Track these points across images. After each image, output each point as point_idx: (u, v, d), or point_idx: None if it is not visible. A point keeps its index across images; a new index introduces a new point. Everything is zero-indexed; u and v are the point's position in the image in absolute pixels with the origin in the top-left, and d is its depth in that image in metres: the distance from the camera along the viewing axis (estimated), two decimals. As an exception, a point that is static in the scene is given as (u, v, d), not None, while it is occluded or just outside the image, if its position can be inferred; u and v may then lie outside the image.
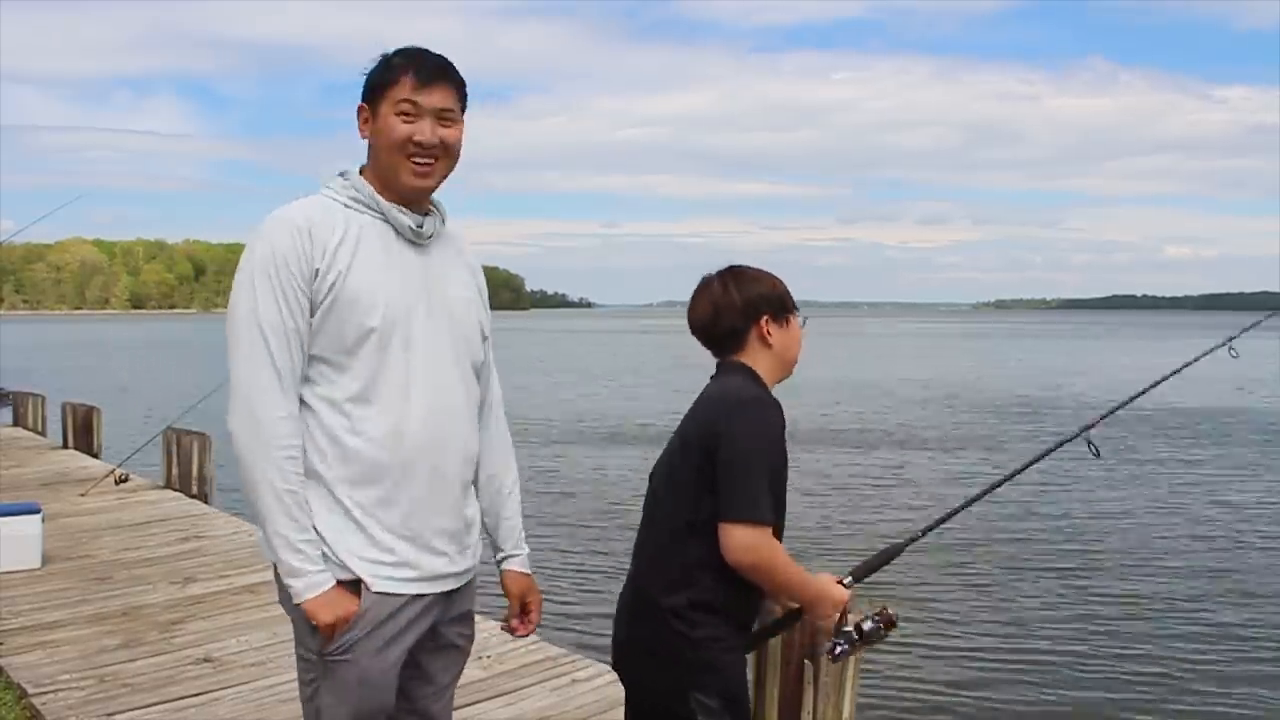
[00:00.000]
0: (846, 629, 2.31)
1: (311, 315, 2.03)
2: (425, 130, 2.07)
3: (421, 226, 2.15)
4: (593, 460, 15.87)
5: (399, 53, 2.11)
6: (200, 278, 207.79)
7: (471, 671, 4.38)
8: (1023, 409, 22.44)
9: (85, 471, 9.28)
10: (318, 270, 2.02)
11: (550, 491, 13.06)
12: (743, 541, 2.09)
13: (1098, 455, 2.62)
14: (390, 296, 2.06)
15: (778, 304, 2.33)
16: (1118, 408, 2.82)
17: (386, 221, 2.11)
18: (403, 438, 2.07)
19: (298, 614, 2.08)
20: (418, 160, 2.08)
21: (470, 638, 2.36)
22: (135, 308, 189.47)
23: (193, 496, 8.72)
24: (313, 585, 2.02)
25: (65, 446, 11.67)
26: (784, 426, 2.22)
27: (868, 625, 2.30)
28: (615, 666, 2.40)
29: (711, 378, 2.35)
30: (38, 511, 6.20)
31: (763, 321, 2.30)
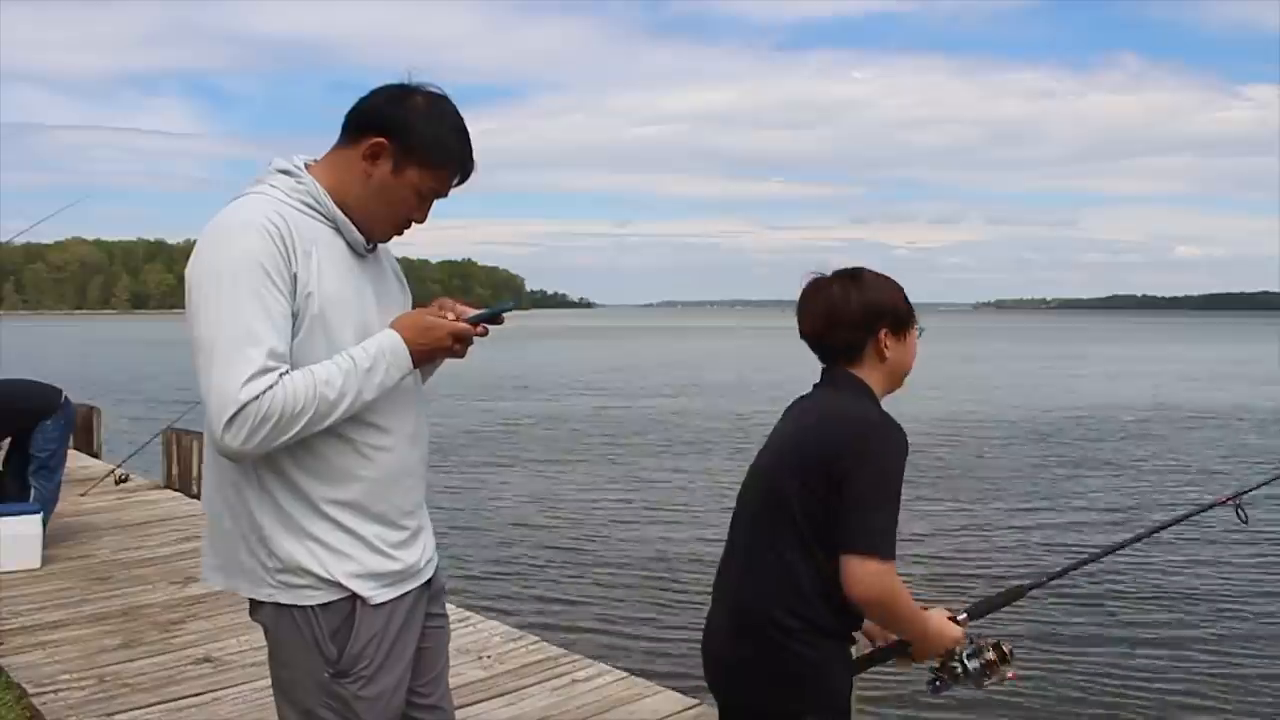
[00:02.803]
0: (952, 664, 2.22)
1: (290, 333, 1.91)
2: (425, 213, 2.10)
3: (369, 243, 2.10)
4: (583, 459, 15.87)
5: (459, 135, 2.06)
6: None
7: (472, 671, 4.39)
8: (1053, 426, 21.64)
9: (85, 471, 9.28)
10: (295, 277, 1.91)
11: (542, 493, 13.05)
12: (867, 577, 2.01)
13: (1245, 521, 2.50)
14: (354, 311, 2.00)
15: (898, 315, 2.21)
16: (1266, 482, 2.70)
17: (339, 234, 2.03)
18: (389, 451, 2.05)
19: (297, 656, 2.03)
20: (400, 233, 2.11)
21: (445, 614, 2.35)
22: (136, 308, 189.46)
23: (193, 496, 8.70)
24: (392, 345, 1.97)
25: (65, 446, 11.66)
26: (907, 451, 2.12)
27: (974, 664, 2.20)
28: (714, 688, 2.28)
29: (817, 385, 2.25)
30: (38, 511, 6.20)
31: (881, 334, 2.18)
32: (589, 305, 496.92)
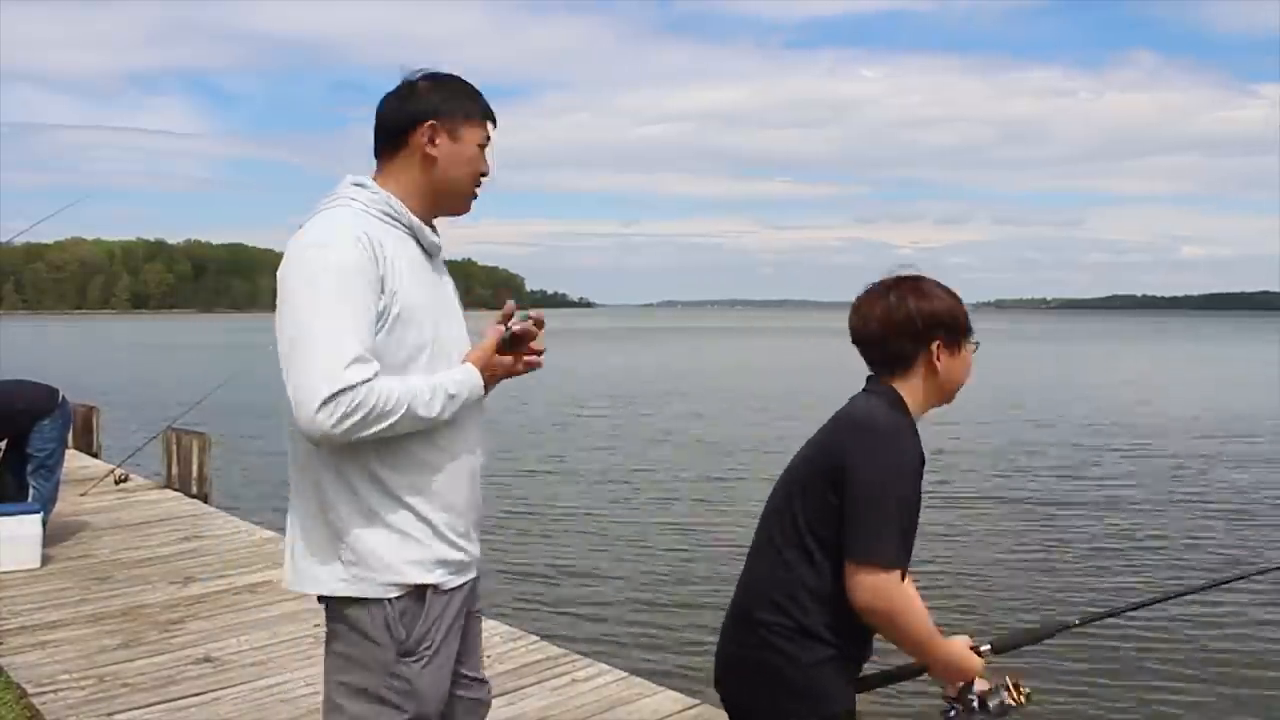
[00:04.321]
0: (969, 697, 2.14)
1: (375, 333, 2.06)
2: (490, 164, 2.27)
3: (438, 248, 2.28)
4: (579, 457, 15.86)
5: (473, 88, 2.26)
6: (200, 277, 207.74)
7: (471, 671, 4.39)
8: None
9: (85, 471, 9.28)
10: (383, 283, 2.06)
11: (542, 490, 13.05)
12: (869, 586, 1.97)
13: None
14: (430, 312, 2.17)
15: (955, 328, 2.15)
16: None
17: (413, 237, 2.19)
18: (455, 443, 2.20)
19: (366, 640, 2.16)
20: (478, 187, 2.28)
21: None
22: (136, 308, 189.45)
23: (193, 496, 8.72)
24: (473, 380, 2.18)
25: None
26: (921, 458, 2.08)
27: (993, 702, 2.13)
28: (717, 685, 2.26)
29: (859, 393, 2.19)
30: (38, 511, 6.20)
31: (934, 346, 2.13)
32: (589, 305, 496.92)
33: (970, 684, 2.15)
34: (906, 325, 2.13)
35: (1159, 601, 2.45)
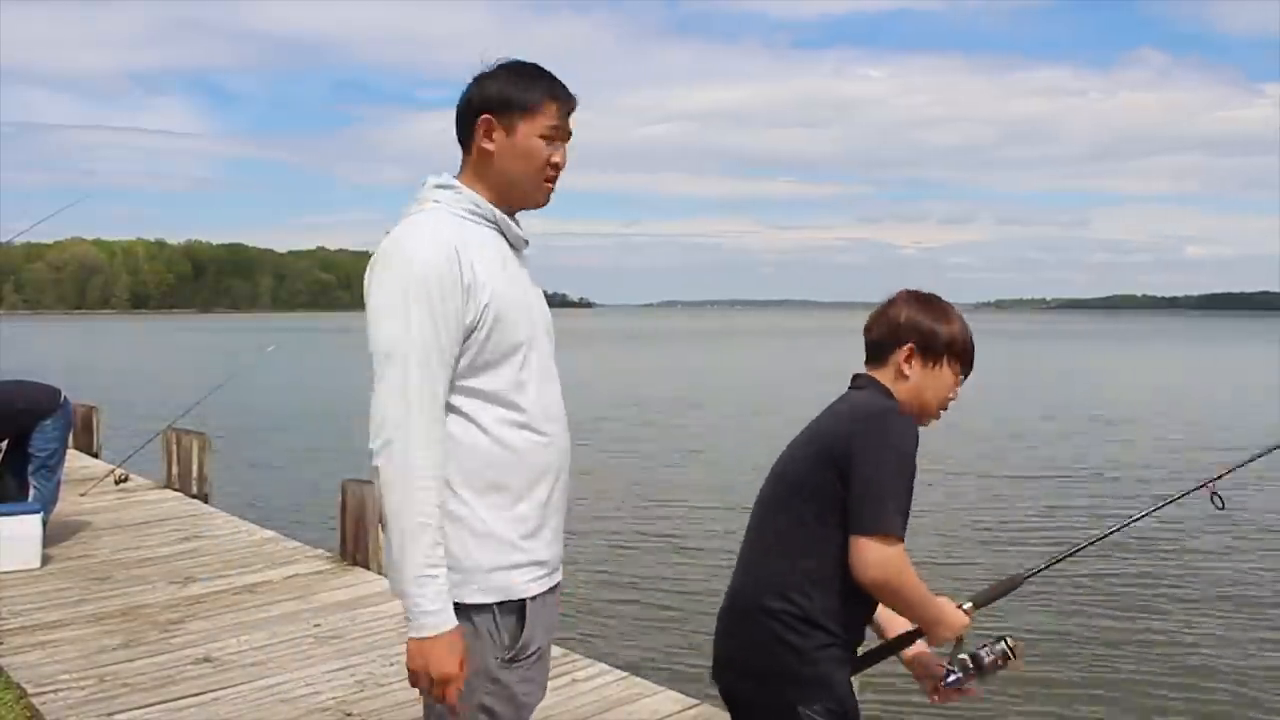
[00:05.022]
0: (962, 657, 2.22)
1: (466, 337, 2.04)
2: (562, 153, 2.19)
3: (525, 241, 2.23)
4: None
5: (536, 72, 2.17)
6: (200, 278, 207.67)
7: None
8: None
9: (85, 471, 9.28)
10: (469, 289, 2.02)
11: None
12: (877, 557, 2.03)
13: (1222, 507, 2.57)
14: (522, 309, 2.14)
15: (934, 344, 2.24)
16: (1246, 462, 2.71)
17: (501, 233, 2.16)
18: (551, 443, 2.15)
19: (472, 651, 2.07)
20: (550, 180, 2.19)
21: None
22: (136, 307, 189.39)
23: (193, 496, 8.71)
24: (439, 624, 1.99)
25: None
26: (917, 440, 2.16)
27: (986, 656, 2.21)
28: (716, 678, 2.28)
29: (850, 389, 2.30)
30: (38, 511, 6.20)
31: (906, 348, 2.24)
32: (589, 305, 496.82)
33: (960, 643, 2.22)
34: (892, 321, 2.27)
35: (1103, 538, 2.59)
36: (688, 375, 35.84)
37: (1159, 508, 2.66)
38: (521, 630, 2.12)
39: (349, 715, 3.97)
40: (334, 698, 4.13)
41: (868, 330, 2.31)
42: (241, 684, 4.25)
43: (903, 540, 2.06)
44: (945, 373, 2.25)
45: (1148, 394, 28.27)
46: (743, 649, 2.17)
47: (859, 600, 2.12)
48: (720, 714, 4.02)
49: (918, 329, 2.24)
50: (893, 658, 2.33)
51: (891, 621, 2.29)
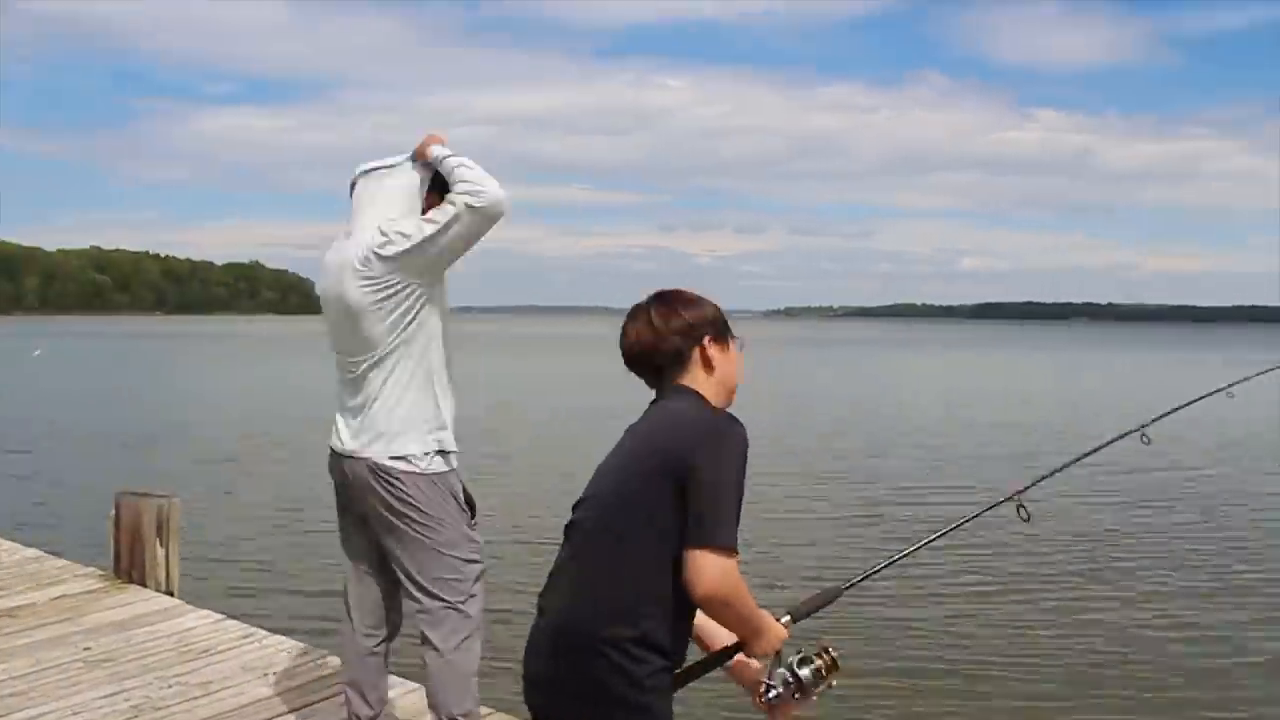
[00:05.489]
0: (781, 671, 2.21)
1: None
2: None
3: None
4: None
5: None
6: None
7: (258, 689, 4.22)
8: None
9: None
10: None
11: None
12: (717, 570, 2.01)
13: (1028, 519, 2.66)
14: None
15: (719, 327, 2.29)
16: (1048, 475, 2.85)
17: None
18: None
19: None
20: None
21: None
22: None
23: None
24: None
25: None
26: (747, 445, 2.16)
27: (805, 671, 2.20)
28: (530, 703, 2.20)
29: (653, 403, 2.27)
30: None
31: (705, 343, 2.25)
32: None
33: (778, 657, 2.21)
34: (676, 327, 2.24)
35: (917, 549, 2.65)
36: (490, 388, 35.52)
37: (969, 520, 2.72)
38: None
39: (122, 743, 3.74)
40: (105, 725, 3.88)
41: (650, 350, 2.25)
42: (3, 716, 3.93)
43: (738, 553, 2.06)
44: (732, 348, 2.31)
45: (945, 400, 29.52)
46: (571, 673, 2.10)
47: (689, 616, 2.12)
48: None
49: (707, 320, 2.27)
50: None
51: (708, 634, 2.29)
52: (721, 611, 2.09)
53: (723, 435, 2.11)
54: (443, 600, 3.20)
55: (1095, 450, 3.14)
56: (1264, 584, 9.51)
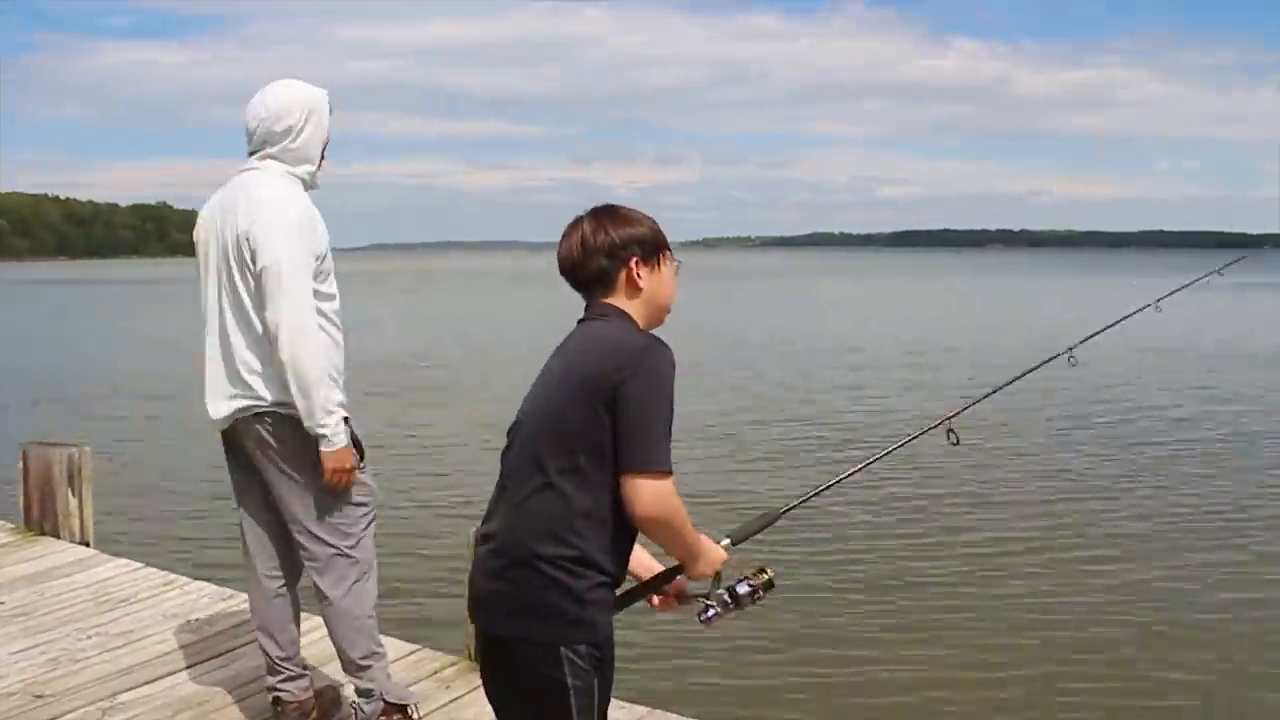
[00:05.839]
0: (720, 592, 2.24)
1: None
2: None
3: None
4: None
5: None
6: None
7: (182, 636, 4.17)
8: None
9: None
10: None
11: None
12: (652, 493, 2.04)
13: (957, 444, 2.67)
14: None
15: (649, 245, 2.25)
16: (978, 400, 2.87)
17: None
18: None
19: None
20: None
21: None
22: None
23: None
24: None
25: None
26: (675, 368, 2.14)
27: (742, 589, 2.25)
28: (474, 616, 2.24)
29: (580, 321, 2.25)
30: None
31: (632, 263, 2.22)
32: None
33: (718, 579, 2.25)
34: (603, 245, 2.22)
35: (850, 475, 2.66)
36: (417, 325, 35.13)
37: (900, 445, 2.75)
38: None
39: (39, 697, 3.66)
40: (22, 680, 3.79)
41: (579, 266, 2.24)
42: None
43: (672, 473, 2.09)
44: (666, 269, 2.29)
45: (870, 329, 30.14)
46: (511, 589, 2.13)
47: (628, 537, 2.14)
48: (434, 654, 4.06)
49: (636, 239, 2.24)
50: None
51: (640, 560, 2.31)
52: (660, 533, 2.12)
53: (650, 358, 2.09)
54: (330, 545, 3.19)
55: (1024, 374, 3.18)
56: (1187, 494, 9.97)
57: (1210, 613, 6.87)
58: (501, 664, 2.20)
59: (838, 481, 2.62)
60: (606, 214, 2.27)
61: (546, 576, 2.08)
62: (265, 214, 3.06)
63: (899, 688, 5.75)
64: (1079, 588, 7.42)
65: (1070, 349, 3.38)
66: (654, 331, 2.25)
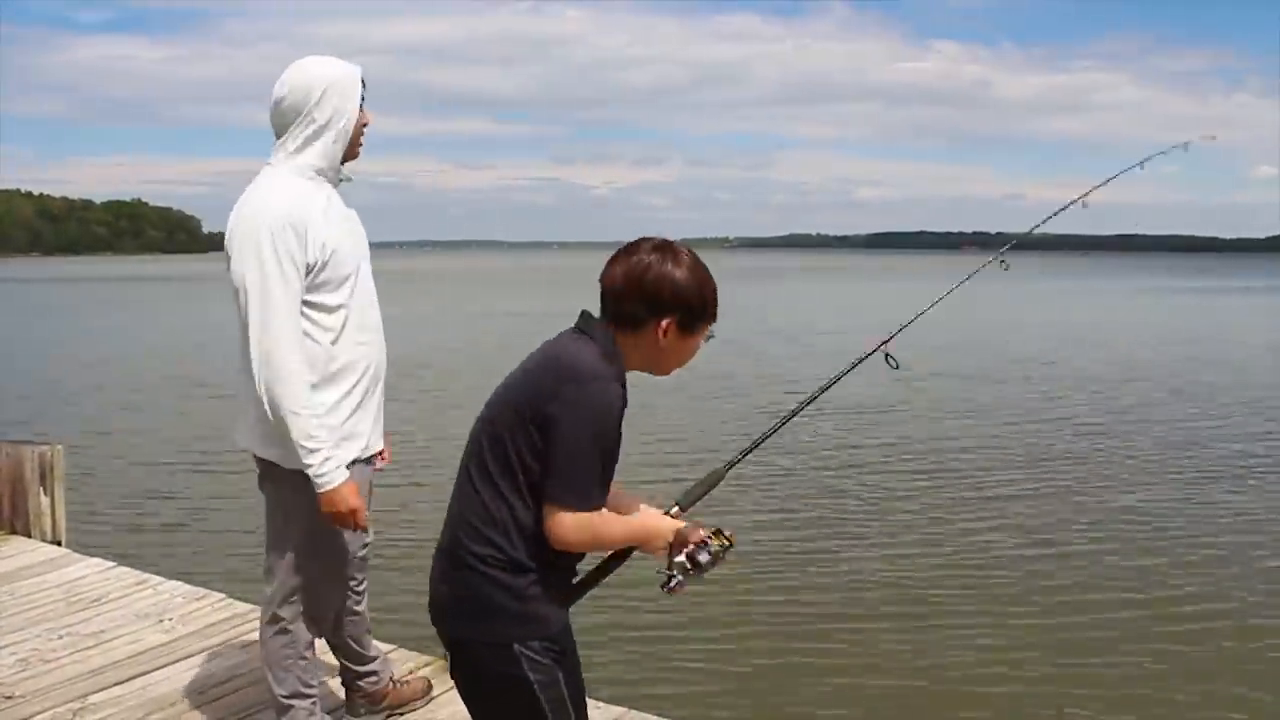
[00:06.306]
0: (679, 559, 2.15)
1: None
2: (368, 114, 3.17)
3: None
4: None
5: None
6: None
7: (152, 636, 4.14)
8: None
9: None
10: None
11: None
12: (568, 526, 2.03)
13: (897, 367, 2.61)
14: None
15: (693, 314, 2.13)
16: (908, 324, 2.78)
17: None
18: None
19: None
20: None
21: None
22: None
23: None
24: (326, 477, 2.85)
25: None
26: (624, 405, 2.09)
27: (703, 556, 2.15)
28: (434, 621, 2.22)
29: (571, 331, 2.17)
30: None
31: (666, 323, 2.10)
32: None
33: (675, 548, 2.17)
34: (649, 294, 2.10)
35: (792, 417, 2.54)
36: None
37: (840, 376, 2.65)
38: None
39: (9, 698, 3.62)
40: (-9, 680, 3.76)
41: (621, 295, 2.12)
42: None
43: (599, 504, 2.07)
44: (697, 339, 2.18)
45: (829, 316, 31.55)
46: (455, 591, 2.15)
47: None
48: (409, 654, 4.03)
49: (684, 305, 2.12)
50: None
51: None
52: (588, 550, 2.14)
53: (580, 390, 2.04)
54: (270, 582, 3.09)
55: (957, 286, 3.07)
56: (1113, 402, 10.74)
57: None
58: (464, 665, 2.21)
59: (781, 425, 2.49)
60: (669, 260, 2.12)
61: (484, 576, 2.09)
62: (240, 225, 2.82)
63: (887, 674, 5.82)
64: (1014, 485, 8.43)
65: (1000, 252, 3.22)
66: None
